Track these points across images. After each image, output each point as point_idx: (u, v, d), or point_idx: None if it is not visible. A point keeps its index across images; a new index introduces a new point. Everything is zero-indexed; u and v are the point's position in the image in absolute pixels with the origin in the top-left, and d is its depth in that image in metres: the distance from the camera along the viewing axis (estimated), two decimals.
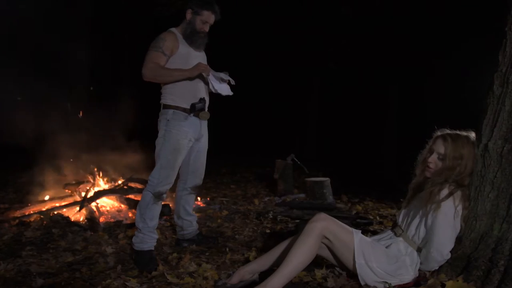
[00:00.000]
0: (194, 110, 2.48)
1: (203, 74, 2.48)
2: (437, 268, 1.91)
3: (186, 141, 2.51)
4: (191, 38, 2.53)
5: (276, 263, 1.98)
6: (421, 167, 2.01)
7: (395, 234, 2.00)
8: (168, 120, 2.46)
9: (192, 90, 2.51)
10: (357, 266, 1.86)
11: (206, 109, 2.58)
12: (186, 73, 2.44)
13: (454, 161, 1.86)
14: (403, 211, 2.05)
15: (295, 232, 2.91)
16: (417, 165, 2.03)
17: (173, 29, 2.55)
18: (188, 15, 2.53)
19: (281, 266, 1.81)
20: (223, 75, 2.56)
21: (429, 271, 1.93)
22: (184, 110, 2.48)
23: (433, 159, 1.92)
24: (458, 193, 1.84)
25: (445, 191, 1.82)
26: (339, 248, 1.91)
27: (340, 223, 1.94)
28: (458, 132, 1.95)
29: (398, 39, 8.24)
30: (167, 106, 2.49)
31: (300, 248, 1.83)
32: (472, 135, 1.95)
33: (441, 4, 7.10)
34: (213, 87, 2.52)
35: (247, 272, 2.00)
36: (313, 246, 1.84)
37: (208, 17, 2.52)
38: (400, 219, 2.04)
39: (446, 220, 1.81)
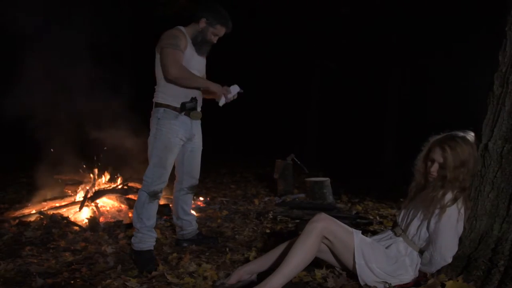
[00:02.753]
0: (184, 109, 2.49)
1: (217, 96, 2.58)
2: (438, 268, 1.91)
3: (177, 139, 2.51)
4: (200, 46, 2.56)
5: (275, 263, 1.97)
6: (421, 173, 1.97)
7: (395, 234, 2.00)
8: (159, 118, 2.47)
9: (184, 90, 2.51)
10: (357, 266, 1.86)
11: (199, 109, 2.59)
12: (209, 85, 2.52)
13: (455, 171, 1.81)
14: (403, 211, 2.04)
15: (295, 232, 2.91)
16: (416, 169, 1.99)
17: (182, 29, 2.54)
18: (202, 24, 2.52)
19: (280, 266, 1.81)
20: (233, 89, 2.64)
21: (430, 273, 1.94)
22: (174, 108, 2.48)
23: (435, 169, 1.88)
24: (461, 197, 1.83)
25: (449, 195, 1.80)
26: (339, 248, 1.91)
27: (341, 223, 1.94)
28: (455, 135, 1.88)
29: (398, 39, 8.24)
30: (158, 105, 2.50)
31: (300, 248, 1.83)
32: (470, 134, 1.92)
33: (441, 4, 7.10)
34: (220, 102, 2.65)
35: (246, 272, 2.00)
36: (313, 246, 1.84)
37: (220, 31, 2.56)
38: (399, 219, 2.03)
39: (450, 223, 1.80)
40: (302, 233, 1.88)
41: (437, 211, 1.81)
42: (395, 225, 2.07)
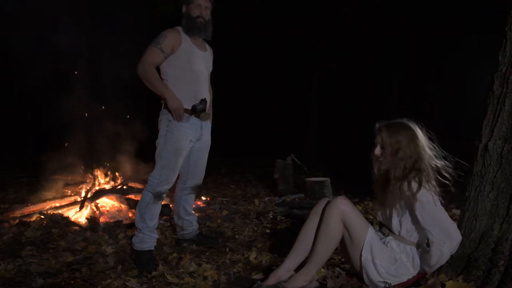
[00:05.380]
0: (195, 111, 2.48)
1: (174, 114, 2.40)
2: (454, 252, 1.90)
3: (187, 142, 2.50)
4: (190, 27, 2.50)
5: (307, 253, 2.01)
6: (376, 164, 2.02)
7: (384, 234, 2.00)
8: (169, 120, 2.44)
9: (193, 91, 2.50)
10: (362, 259, 1.87)
11: (207, 110, 2.58)
12: (165, 94, 2.37)
13: (392, 147, 1.87)
14: (381, 211, 2.05)
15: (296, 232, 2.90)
16: (374, 164, 2.03)
17: (178, 28, 2.54)
18: (184, 9, 2.54)
19: (311, 256, 1.93)
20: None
21: (435, 268, 1.92)
22: (185, 111, 2.46)
23: (378, 150, 1.94)
24: (424, 180, 1.82)
25: (414, 184, 1.81)
26: (348, 237, 1.91)
27: (359, 212, 1.95)
28: (394, 120, 1.96)
29: (398, 39, 8.24)
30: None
31: (324, 237, 1.90)
32: (410, 121, 1.94)
33: (441, 4, 7.10)
34: None
35: (284, 271, 1.97)
36: (336, 232, 1.89)
37: (200, 0, 2.50)
38: (382, 219, 2.05)
39: (432, 207, 1.80)
40: (323, 220, 1.91)
41: (412, 200, 1.80)
42: (381, 225, 2.07)
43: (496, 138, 1.92)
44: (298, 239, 2.03)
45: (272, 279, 1.94)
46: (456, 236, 1.82)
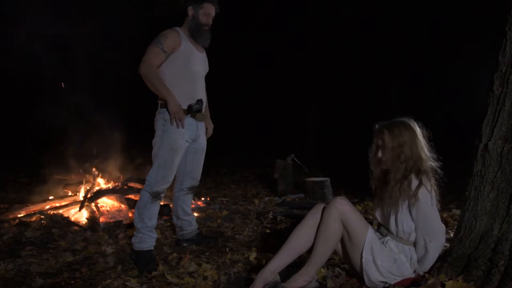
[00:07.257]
0: (191, 111, 2.48)
1: (175, 118, 2.41)
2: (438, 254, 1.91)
3: (183, 141, 2.50)
4: (197, 32, 2.54)
5: (296, 258, 1.99)
6: (375, 163, 1.99)
7: (382, 234, 2.00)
8: (165, 120, 2.45)
9: (190, 91, 2.51)
10: (363, 260, 1.86)
11: (203, 110, 2.58)
12: (167, 97, 2.37)
13: (394, 151, 1.85)
14: (380, 211, 2.04)
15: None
16: (371, 162, 2.01)
17: (177, 28, 2.55)
18: (190, 11, 2.54)
19: (311, 257, 1.92)
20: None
21: (430, 270, 1.93)
22: None
23: (377, 152, 1.92)
24: (425, 178, 1.83)
25: (414, 182, 1.82)
26: (348, 238, 1.91)
27: (358, 212, 1.94)
28: (393, 120, 1.93)
29: (399, 39, 8.24)
30: (164, 105, 2.46)
31: (323, 237, 1.89)
32: (411, 121, 1.92)
33: (441, 4, 7.10)
34: None
35: (270, 272, 1.92)
36: (335, 232, 1.89)
37: (209, 8, 2.54)
38: (380, 219, 2.04)
39: (428, 207, 1.81)
40: (322, 220, 1.91)
41: (412, 200, 1.81)
42: (379, 225, 2.07)
43: (496, 138, 1.92)
44: (288, 241, 1.99)
45: (259, 282, 1.88)
46: (441, 238, 1.85)
